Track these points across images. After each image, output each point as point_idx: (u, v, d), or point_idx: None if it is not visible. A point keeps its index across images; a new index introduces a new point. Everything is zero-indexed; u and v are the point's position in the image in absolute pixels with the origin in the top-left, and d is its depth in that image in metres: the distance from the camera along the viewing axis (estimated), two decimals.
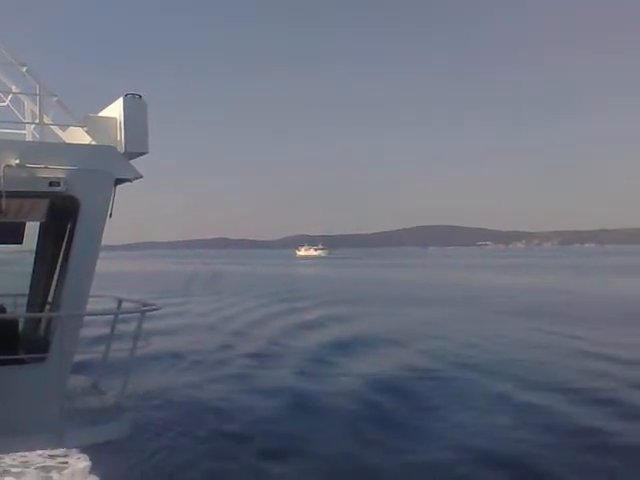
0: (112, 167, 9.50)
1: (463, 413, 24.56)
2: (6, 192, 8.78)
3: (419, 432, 22.42)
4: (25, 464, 17.45)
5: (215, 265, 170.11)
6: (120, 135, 9.70)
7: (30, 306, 11.12)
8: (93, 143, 9.76)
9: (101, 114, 10.11)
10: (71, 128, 10.20)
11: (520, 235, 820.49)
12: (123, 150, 9.73)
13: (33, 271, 11.28)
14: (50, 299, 10.59)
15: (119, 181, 9.88)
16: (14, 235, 10.33)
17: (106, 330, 10.97)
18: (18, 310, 11.20)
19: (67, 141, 10.06)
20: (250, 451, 20.94)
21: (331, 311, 57.42)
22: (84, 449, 17.92)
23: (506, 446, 18.91)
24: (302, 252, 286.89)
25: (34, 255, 11.31)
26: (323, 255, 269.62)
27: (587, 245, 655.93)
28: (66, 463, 17.65)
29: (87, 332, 12.64)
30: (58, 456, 18.25)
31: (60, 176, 9.09)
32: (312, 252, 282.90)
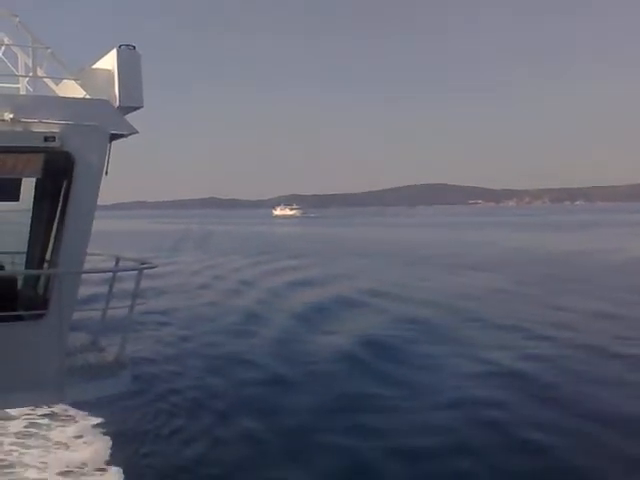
0: (107, 122, 9.32)
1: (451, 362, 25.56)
2: (0, 147, 8.62)
3: (408, 382, 23.35)
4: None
5: (202, 225, 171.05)
6: (114, 88, 9.49)
7: (28, 264, 11.04)
8: (87, 97, 9.57)
9: (95, 66, 9.88)
10: (65, 81, 9.97)
11: (511, 193, 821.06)
12: (117, 104, 9.54)
13: (30, 229, 11.17)
14: (48, 257, 10.50)
15: (114, 137, 9.71)
16: (10, 192, 10.18)
17: (104, 289, 11.00)
18: (16, 268, 11.14)
19: (61, 95, 9.86)
20: (239, 398, 21.89)
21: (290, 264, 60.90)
22: (84, 404, 18.65)
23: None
24: (278, 212, 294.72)
25: (31, 213, 11.20)
26: (297, 215, 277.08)
27: (577, 203, 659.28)
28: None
29: (85, 290, 12.75)
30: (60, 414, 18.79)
31: (55, 131, 8.92)
32: (287, 212, 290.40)
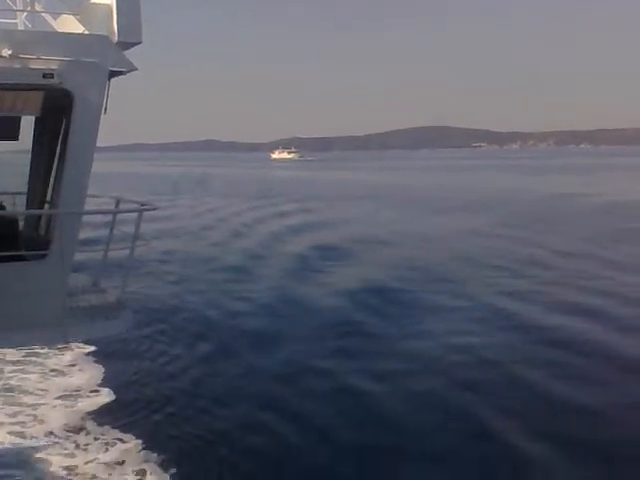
0: (106, 58, 9.15)
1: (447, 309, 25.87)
2: None
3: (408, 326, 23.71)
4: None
5: (201, 168, 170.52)
6: (113, 23, 9.27)
7: (29, 205, 11.06)
8: (86, 32, 9.35)
9: (94, 1, 9.61)
10: (64, 16, 9.76)
11: (515, 136, 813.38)
12: (116, 39, 9.33)
13: (30, 170, 11.13)
14: (48, 198, 10.49)
15: (113, 74, 9.54)
16: (9, 131, 10.11)
17: (105, 231, 10.98)
18: (17, 209, 11.13)
19: (60, 30, 9.64)
20: (234, 339, 22.43)
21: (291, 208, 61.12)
22: (85, 343, 18.98)
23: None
24: (276, 155, 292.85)
25: (30, 153, 11.11)
26: (296, 158, 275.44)
27: (582, 146, 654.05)
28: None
29: (86, 233, 12.81)
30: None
31: (53, 67, 8.76)
32: (285, 155, 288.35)
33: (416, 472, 13.29)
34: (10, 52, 8.53)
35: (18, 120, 10.15)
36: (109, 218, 10.93)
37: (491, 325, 23.27)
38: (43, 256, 9.24)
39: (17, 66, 8.62)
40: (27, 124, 10.42)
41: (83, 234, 10.11)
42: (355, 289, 28.61)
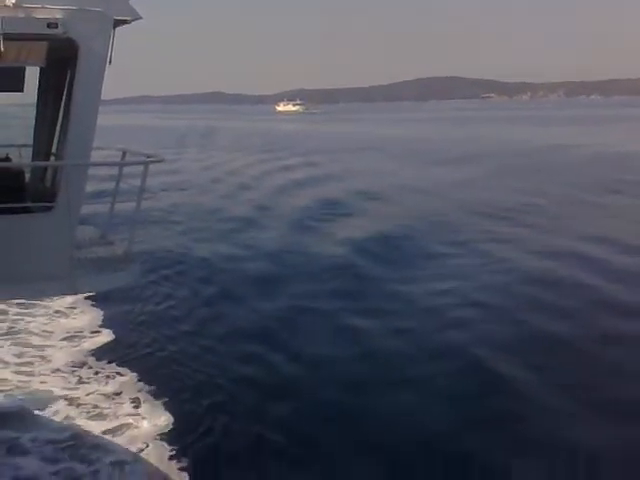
0: (111, 7, 8.99)
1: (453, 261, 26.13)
2: (3, 34, 8.34)
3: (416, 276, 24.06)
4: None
5: (206, 121, 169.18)
6: None
7: (35, 157, 11.03)
8: None
9: None
10: None
11: (525, 87, 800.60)
12: None
13: (36, 122, 11.06)
14: (54, 149, 10.46)
15: (118, 23, 9.39)
16: (14, 82, 10.02)
17: (111, 184, 10.99)
18: (24, 161, 11.10)
19: None
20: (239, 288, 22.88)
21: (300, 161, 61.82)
22: (93, 296, 19.37)
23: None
24: (281, 107, 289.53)
25: (35, 105, 11.03)
26: (300, 111, 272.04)
27: (593, 97, 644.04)
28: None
29: (93, 186, 12.90)
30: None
31: (58, 17, 8.62)
32: (290, 107, 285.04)
33: (408, 399, 14.16)
34: (14, 1, 8.41)
35: (22, 71, 10.04)
36: (115, 171, 10.90)
37: (485, 269, 24.18)
38: (50, 208, 9.20)
39: (21, 15, 8.49)
40: (32, 76, 10.34)
41: (89, 187, 10.06)
42: (356, 238, 29.21)
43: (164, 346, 17.42)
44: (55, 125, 10.37)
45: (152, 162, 9.99)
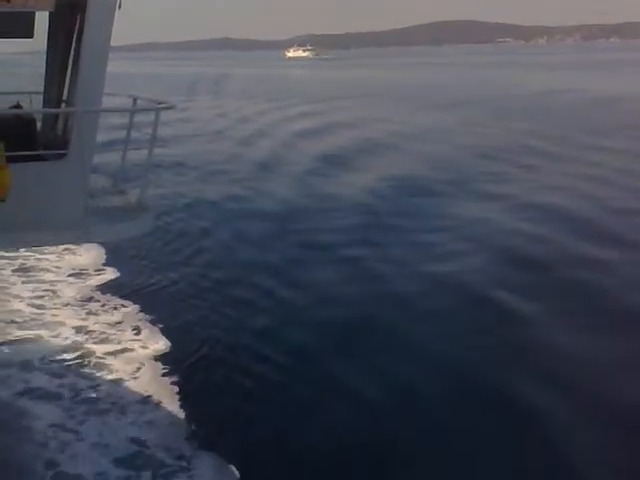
0: None
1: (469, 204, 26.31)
2: None
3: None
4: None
5: (216, 68, 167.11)
6: None
7: (46, 104, 10.98)
8: None
9: None
10: None
11: (542, 30, 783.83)
12: None
13: (46, 69, 10.98)
14: (65, 97, 10.38)
15: None
16: (24, 27, 9.93)
17: (122, 134, 10.93)
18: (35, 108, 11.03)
19: None
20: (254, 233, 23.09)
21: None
22: (106, 244, 19.58)
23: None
24: (291, 54, 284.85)
25: (45, 52, 10.93)
26: (311, 57, 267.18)
27: (612, 40, 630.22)
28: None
29: (104, 136, 12.91)
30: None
31: None
32: (301, 53, 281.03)
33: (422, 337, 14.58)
34: None
35: (32, 16, 9.95)
36: (126, 119, 10.81)
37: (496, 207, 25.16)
38: (62, 156, 9.20)
39: None
40: (42, 22, 10.22)
41: (101, 137, 10.04)
42: (374, 185, 29.13)
43: (167, 283, 18.07)
44: (65, 72, 10.28)
45: (163, 108, 9.91)
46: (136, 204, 10.08)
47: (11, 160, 8.23)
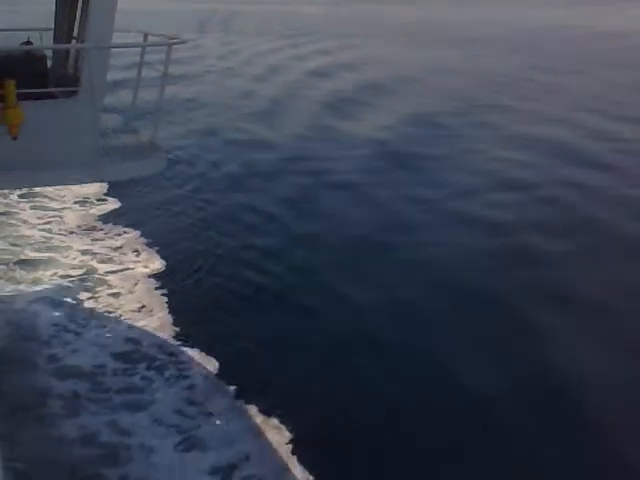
0: None
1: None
2: None
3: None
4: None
5: (228, 4, 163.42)
6: None
7: (56, 41, 11.04)
8: None
9: None
10: None
11: None
12: None
13: (56, 4, 10.87)
14: (75, 33, 10.29)
15: None
16: None
17: (133, 73, 10.84)
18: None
19: None
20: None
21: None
22: (119, 184, 19.80)
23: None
24: None
25: None
26: None
27: None
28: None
29: (115, 74, 12.82)
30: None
31: None
32: None
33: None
34: None
35: None
36: (137, 58, 10.65)
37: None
38: (73, 93, 9.19)
39: None
40: None
41: (111, 75, 10.12)
42: (386, 123, 29.33)
43: (171, 212, 19.06)
44: (76, 8, 10.24)
45: (175, 43, 9.77)
46: (148, 143, 10.01)
47: (22, 98, 8.18)
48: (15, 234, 17.50)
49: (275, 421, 9.98)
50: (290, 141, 26.49)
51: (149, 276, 14.95)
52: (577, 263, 15.55)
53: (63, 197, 20.36)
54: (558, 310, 13.31)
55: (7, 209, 19.15)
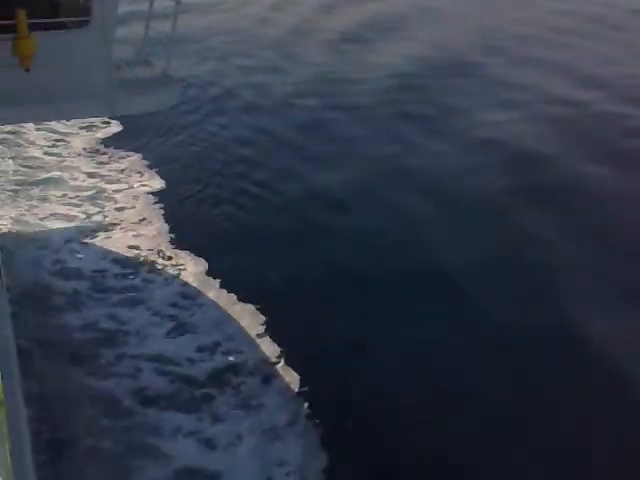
0: None
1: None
2: None
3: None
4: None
5: None
6: None
7: None
8: None
9: None
10: None
11: None
12: None
13: None
14: None
15: None
16: None
17: (145, 4, 10.37)
18: None
19: None
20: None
21: None
22: (132, 117, 20.30)
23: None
24: None
25: None
26: None
27: None
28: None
29: (126, 6, 12.98)
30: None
31: None
32: None
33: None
34: None
35: None
36: None
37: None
38: (84, 23, 8.89)
39: None
40: None
41: (122, 7, 9.96)
42: (406, 59, 28.36)
43: (175, 137, 19.79)
44: None
45: None
46: (161, 75, 9.84)
47: (33, 29, 8.01)
48: (24, 155, 18.62)
49: (252, 307, 11.57)
50: (310, 69, 26.00)
51: (149, 193, 16.31)
52: None
53: (67, 120, 20.78)
54: None
55: (15, 128, 19.86)
